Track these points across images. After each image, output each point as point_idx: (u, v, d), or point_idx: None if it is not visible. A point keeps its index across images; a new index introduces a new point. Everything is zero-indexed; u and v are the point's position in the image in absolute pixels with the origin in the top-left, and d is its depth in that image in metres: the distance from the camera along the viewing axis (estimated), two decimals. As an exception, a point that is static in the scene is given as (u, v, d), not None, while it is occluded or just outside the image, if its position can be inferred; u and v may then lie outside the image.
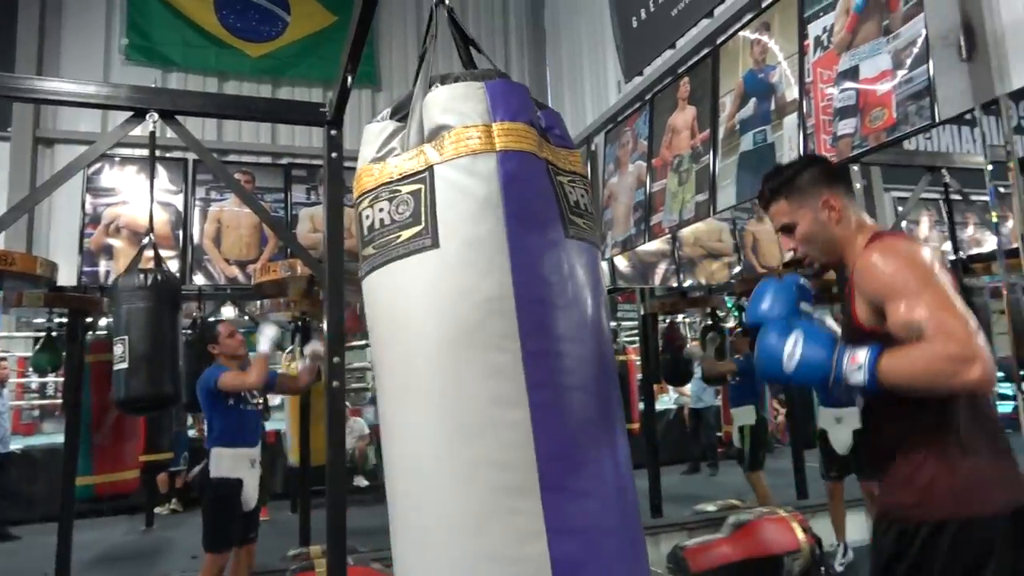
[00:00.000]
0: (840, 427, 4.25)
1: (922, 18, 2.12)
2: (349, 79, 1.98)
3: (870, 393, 1.29)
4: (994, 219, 2.35)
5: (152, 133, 3.06)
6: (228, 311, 8.14)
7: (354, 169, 1.30)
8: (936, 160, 4.54)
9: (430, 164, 1.17)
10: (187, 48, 5.37)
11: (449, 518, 1.08)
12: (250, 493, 3.36)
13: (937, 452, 1.33)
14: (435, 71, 1.27)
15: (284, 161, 4.63)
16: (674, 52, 3.56)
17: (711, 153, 3.10)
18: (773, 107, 2.76)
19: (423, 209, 1.15)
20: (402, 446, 1.14)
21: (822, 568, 4.13)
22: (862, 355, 1.28)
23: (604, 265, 4.75)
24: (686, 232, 5.13)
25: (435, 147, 1.18)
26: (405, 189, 1.19)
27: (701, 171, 3.18)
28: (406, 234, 1.16)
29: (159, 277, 2.75)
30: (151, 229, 3.00)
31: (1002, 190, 1.96)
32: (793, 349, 1.32)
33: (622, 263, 5.54)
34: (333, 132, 2.37)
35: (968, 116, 2.07)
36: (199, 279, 4.34)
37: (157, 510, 6.70)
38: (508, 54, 5.41)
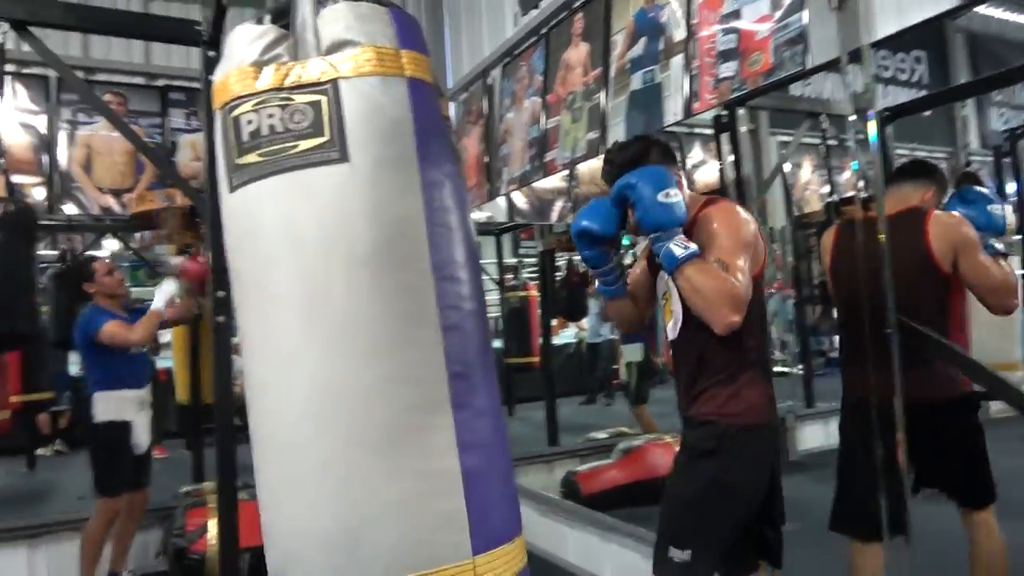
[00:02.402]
0: None
1: (800, -36, 2.18)
2: None
3: (668, 265, 1.64)
4: (854, 165, 2.50)
5: (0, 46, 2.79)
6: (110, 244, 7.66)
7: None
8: (816, 106, 4.76)
9: (334, 77, 1.12)
10: (48, -48, 4.81)
11: (360, 436, 1.07)
12: (141, 436, 3.25)
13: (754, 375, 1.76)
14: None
15: (160, 83, 4.30)
16: (570, -15, 3.52)
17: (603, 91, 3.12)
18: (662, 47, 2.80)
19: (327, 121, 1.10)
20: (302, 369, 1.08)
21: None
22: (692, 245, 1.64)
23: (501, 201, 4.76)
24: (583, 169, 5.18)
25: (338, 61, 1.13)
26: (300, 99, 1.12)
27: (593, 109, 3.20)
28: (305, 144, 1.10)
29: (11, 207, 2.55)
30: (1, 153, 2.76)
31: (860, 137, 2.08)
32: (671, 193, 1.63)
33: (520, 200, 5.57)
34: (211, 53, 2.22)
35: (837, 67, 2.17)
36: (70, 209, 4.04)
37: (39, 451, 6.41)
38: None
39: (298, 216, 1.09)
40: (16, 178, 3.13)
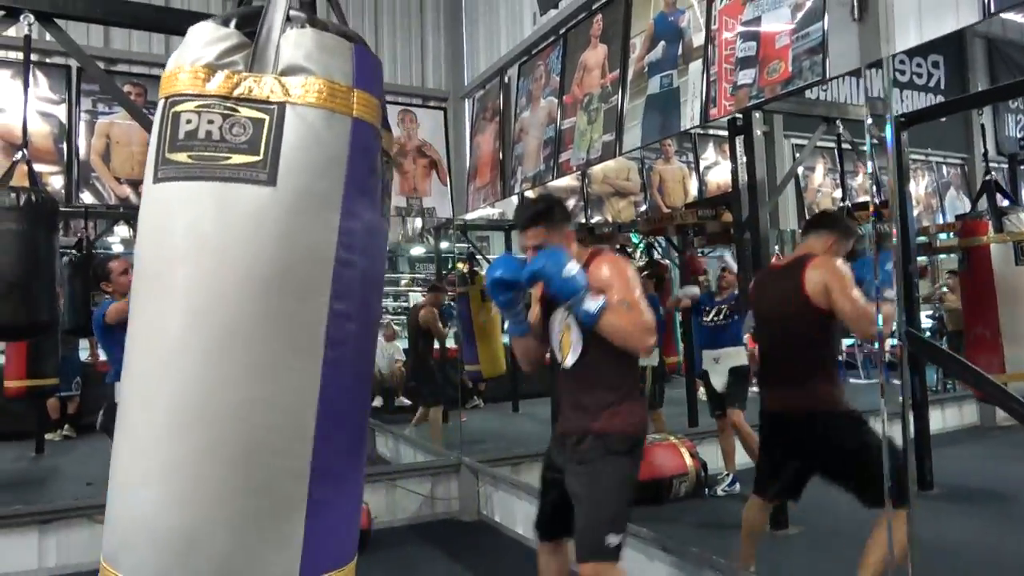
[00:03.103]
0: (717, 367, 4.53)
1: (822, -26, 2.18)
2: None
3: (588, 321, 2.02)
4: (868, 170, 2.51)
5: (27, 36, 2.82)
6: (122, 231, 7.72)
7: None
8: (831, 111, 4.75)
9: (283, 101, 1.15)
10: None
11: (217, 447, 1.09)
12: None
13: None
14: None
15: (180, 75, 4.32)
16: (590, -14, 3.52)
17: (619, 94, 3.13)
18: (680, 52, 2.80)
19: (265, 142, 1.14)
20: (179, 368, 1.10)
21: (706, 490, 4.47)
22: (601, 298, 2.02)
23: (514, 199, 4.76)
24: (595, 170, 5.19)
25: (290, 85, 1.16)
26: (245, 112, 1.15)
27: (609, 111, 3.21)
28: (238, 159, 1.13)
29: (33, 197, 2.58)
30: (25, 143, 2.79)
31: (875, 142, 2.09)
32: (571, 267, 2.01)
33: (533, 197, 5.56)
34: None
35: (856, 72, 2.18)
36: (87, 197, 4.07)
37: (48, 436, 6.47)
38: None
39: (212, 225, 1.11)
40: (36, 166, 3.14)
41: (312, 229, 1.14)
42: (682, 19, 2.82)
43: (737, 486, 4.37)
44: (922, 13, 2.01)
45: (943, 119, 6.05)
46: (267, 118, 1.14)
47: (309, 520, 1.12)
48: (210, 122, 1.14)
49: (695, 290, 4.98)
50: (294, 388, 1.12)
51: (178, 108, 1.16)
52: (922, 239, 6.41)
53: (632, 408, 2.16)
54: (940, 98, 7.08)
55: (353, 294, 1.18)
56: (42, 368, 5.50)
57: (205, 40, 1.19)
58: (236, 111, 1.15)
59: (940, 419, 5.85)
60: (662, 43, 2.92)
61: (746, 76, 2.45)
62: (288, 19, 1.21)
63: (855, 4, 2.06)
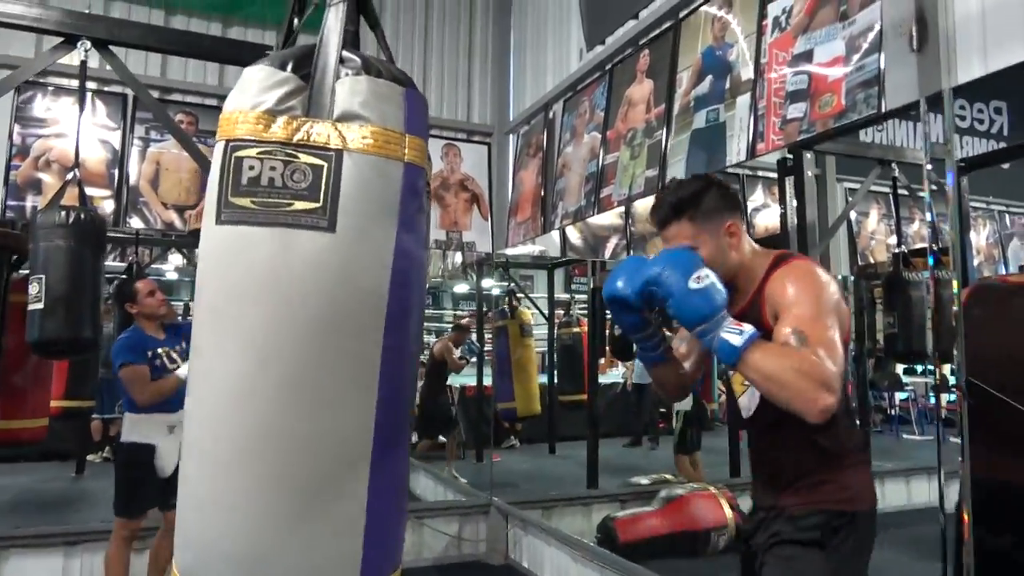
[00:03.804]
0: None
1: (878, 6, 2.09)
2: (295, 20, 1.86)
3: (726, 359, 1.38)
4: (928, 217, 2.38)
5: (83, 63, 2.90)
6: (176, 259, 7.91)
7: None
8: (887, 153, 4.60)
9: (340, 148, 1.20)
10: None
11: (287, 477, 1.17)
12: (167, 459, 3.19)
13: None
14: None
15: (232, 105, 4.43)
16: (637, 23, 3.49)
17: (664, 129, 3.06)
18: (728, 85, 2.73)
19: (324, 189, 1.19)
20: (250, 404, 1.17)
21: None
22: (747, 327, 1.37)
23: (555, 235, 4.71)
24: (639, 207, 5.11)
25: (347, 131, 1.21)
26: (305, 159, 1.21)
27: (653, 146, 3.15)
28: (300, 205, 1.18)
29: (82, 215, 2.62)
30: (77, 164, 2.85)
31: (934, 188, 1.97)
32: (702, 275, 1.40)
33: (574, 235, 5.52)
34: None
35: (913, 113, 2.07)
36: (136, 222, 4.16)
37: (90, 457, 6.57)
38: (473, 9, 5.26)
39: (277, 268, 1.18)
40: (88, 190, 3.21)
41: (368, 271, 1.21)
42: (730, 53, 2.75)
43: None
44: (987, 45, 1.90)
45: (1006, 165, 5.83)
46: (326, 165, 1.20)
47: (367, 537, 1.21)
48: (272, 168, 1.20)
49: None
50: (354, 421, 1.20)
51: (240, 153, 1.21)
52: (984, 290, 6.13)
53: (846, 477, 1.54)
54: (1003, 144, 6.83)
55: (404, 330, 1.25)
56: (80, 390, 5.57)
57: (264, 85, 1.24)
58: (296, 157, 1.20)
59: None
60: (709, 77, 2.85)
61: (796, 110, 2.36)
62: (341, 60, 1.26)
63: (914, 35, 1.97)
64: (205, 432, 1.22)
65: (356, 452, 1.21)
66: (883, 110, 2.05)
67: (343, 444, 1.20)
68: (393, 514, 1.30)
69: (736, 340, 1.35)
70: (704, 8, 2.97)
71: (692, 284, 1.39)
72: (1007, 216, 6.79)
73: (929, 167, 2.20)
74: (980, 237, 6.44)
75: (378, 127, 1.23)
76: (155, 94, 3.96)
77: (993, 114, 6.94)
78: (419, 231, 1.30)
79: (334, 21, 1.29)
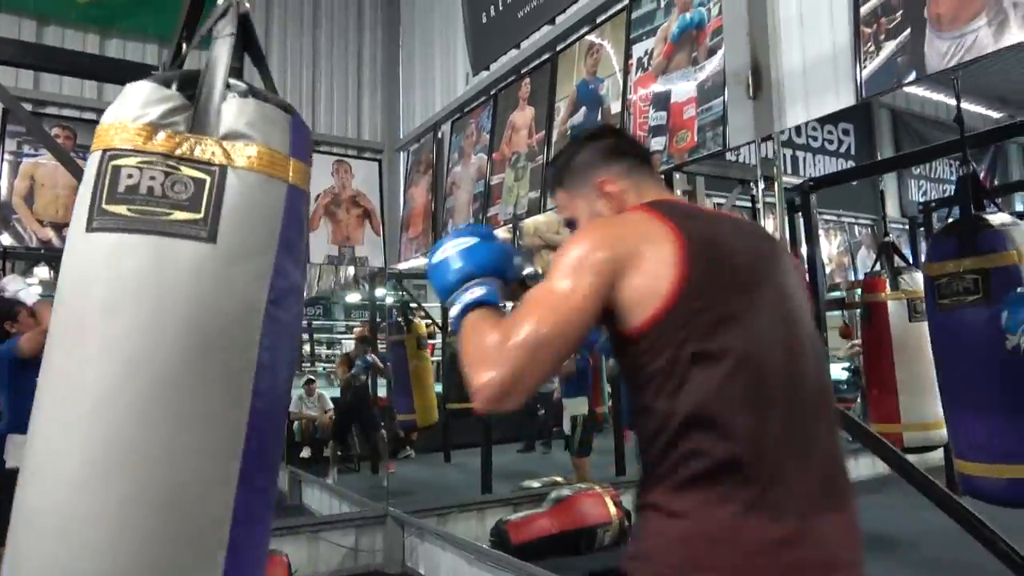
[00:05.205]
0: None
1: (722, 55, 2.39)
2: (183, 46, 1.90)
3: (454, 318, 1.16)
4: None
5: (-49, 79, 2.80)
6: (41, 272, 7.44)
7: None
8: (747, 173, 5.05)
9: (225, 164, 1.23)
10: (1, -19, 4.79)
11: (144, 494, 1.11)
12: None
13: None
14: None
15: (111, 119, 4.29)
16: (519, 52, 3.70)
17: (544, 154, 3.29)
18: (600, 117, 2.99)
19: (207, 201, 1.20)
20: (109, 417, 1.12)
21: (629, 539, 4.52)
22: (483, 291, 1.15)
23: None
24: (527, 223, 5.34)
25: (232, 149, 1.24)
26: (187, 171, 1.21)
27: (535, 169, 3.37)
28: (180, 216, 1.18)
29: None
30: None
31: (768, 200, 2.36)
32: (451, 248, 1.22)
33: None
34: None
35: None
36: (6, 239, 3.97)
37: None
38: (361, 27, 5.32)
39: (152, 277, 1.15)
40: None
41: (246, 285, 1.20)
42: (602, 87, 3.01)
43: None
44: (808, 95, 2.23)
45: (854, 183, 6.50)
46: (209, 178, 1.20)
47: (228, 565, 1.16)
48: (152, 178, 1.19)
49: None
50: (222, 437, 1.17)
51: (119, 162, 1.19)
52: (837, 294, 6.77)
53: (665, 524, 1.07)
54: (851, 163, 7.58)
55: (279, 348, 1.25)
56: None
57: (147, 99, 1.23)
58: (178, 169, 1.20)
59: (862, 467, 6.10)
60: (583, 108, 3.10)
61: (658, 143, 2.64)
62: (227, 85, 1.28)
63: (750, 83, 2.27)
64: (51, 452, 1.14)
65: (222, 470, 1.17)
66: (727, 147, 2.35)
67: (209, 460, 1.16)
68: (259, 538, 1.28)
69: (454, 311, 1.16)
70: (577, 44, 3.22)
71: (435, 258, 1.23)
72: (856, 228, 7.54)
73: (763, 186, 2.56)
74: (832, 247, 7.12)
75: (264, 147, 1.25)
76: (28, 107, 3.81)
77: (842, 135, 7.71)
78: (298, 254, 1.31)
79: (221, 49, 1.32)
